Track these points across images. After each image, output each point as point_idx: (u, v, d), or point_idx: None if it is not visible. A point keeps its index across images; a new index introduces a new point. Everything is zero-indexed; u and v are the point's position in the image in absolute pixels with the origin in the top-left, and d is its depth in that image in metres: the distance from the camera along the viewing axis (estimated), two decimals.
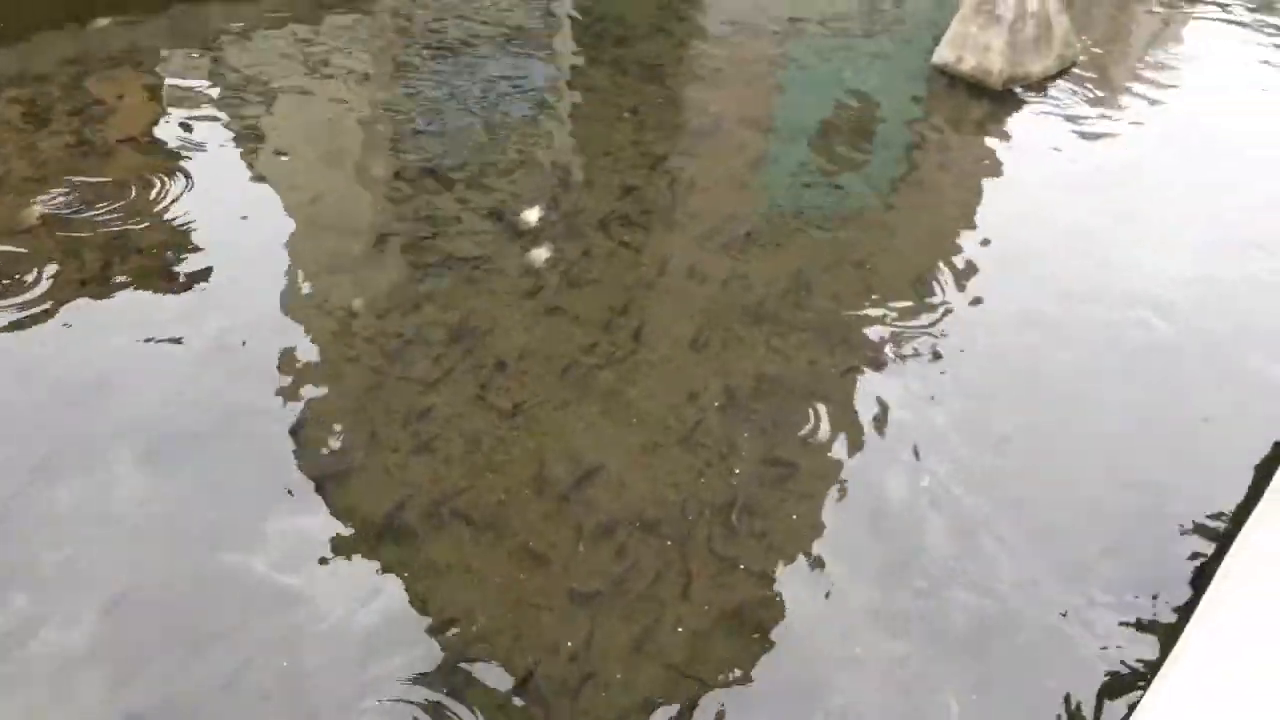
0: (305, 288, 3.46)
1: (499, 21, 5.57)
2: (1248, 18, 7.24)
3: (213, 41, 5.01)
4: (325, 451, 2.85)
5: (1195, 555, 2.83)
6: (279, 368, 3.11)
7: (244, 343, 3.19)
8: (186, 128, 4.27)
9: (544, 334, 3.35)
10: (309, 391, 3.03)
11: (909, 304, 3.71)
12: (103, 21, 4.92)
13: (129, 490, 2.67)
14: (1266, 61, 6.45)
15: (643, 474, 2.88)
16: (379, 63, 5.00)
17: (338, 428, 2.92)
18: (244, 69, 4.78)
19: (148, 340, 3.15)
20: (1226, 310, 3.90)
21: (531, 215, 3.94)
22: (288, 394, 3.02)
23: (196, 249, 3.56)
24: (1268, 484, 2.88)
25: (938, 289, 3.81)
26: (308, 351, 3.18)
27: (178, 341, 3.16)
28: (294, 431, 2.90)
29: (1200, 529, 2.92)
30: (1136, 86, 5.73)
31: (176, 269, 3.45)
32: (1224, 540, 2.83)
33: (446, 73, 4.96)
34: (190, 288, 3.39)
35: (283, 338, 3.22)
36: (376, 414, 2.97)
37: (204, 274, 3.45)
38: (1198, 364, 3.60)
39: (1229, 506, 2.99)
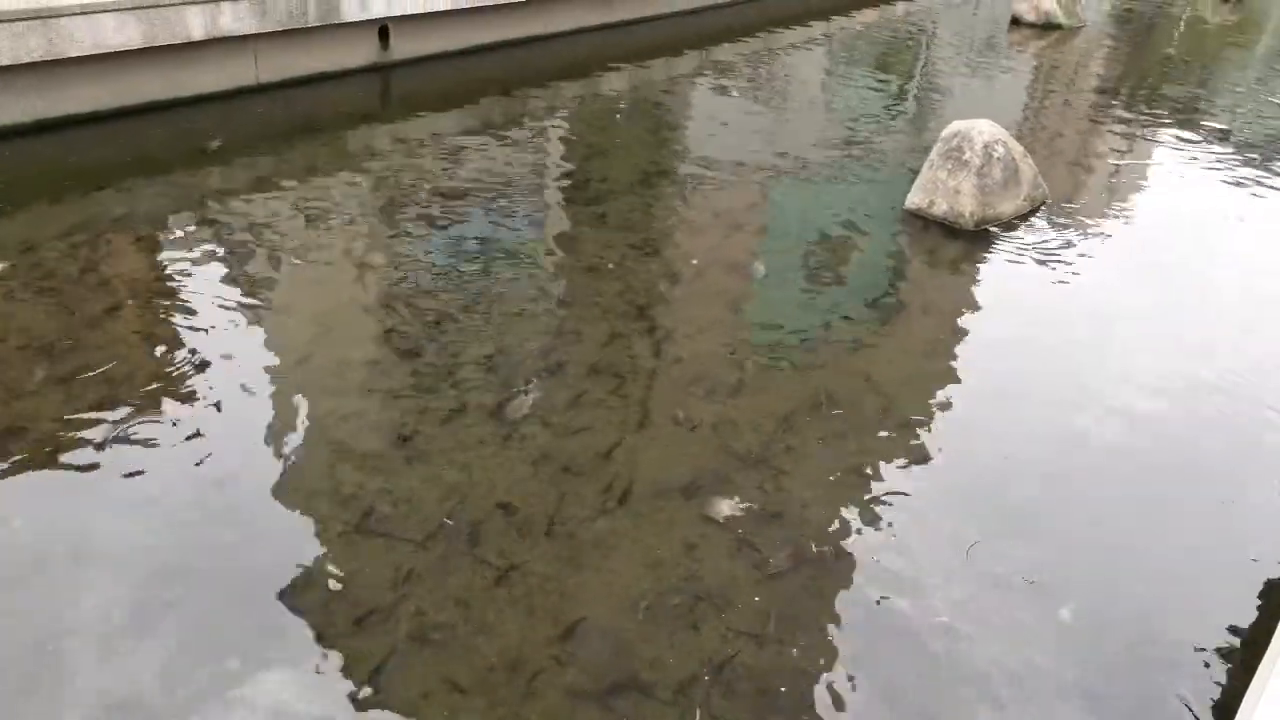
0: (294, 447, 3.45)
1: (489, 179, 5.77)
2: (1205, 155, 7.58)
3: (209, 205, 5.15)
4: (311, 612, 2.78)
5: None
6: (266, 526, 3.07)
7: (231, 501, 3.16)
8: (183, 290, 4.34)
9: (534, 486, 3.33)
10: (296, 551, 2.98)
11: (894, 444, 3.72)
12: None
13: (118, 648, 2.59)
14: (1224, 196, 6.72)
15: (637, 631, 2.81)
16: (372, 221, 5.15)
17: (324, 587, 2.86)
18: (239, 231, 4.90)
19: (136, 498, 3.12)
20: (1208, 434, 3.93)
21: (520, 365, 3.98)
22: (274, 553, 2.97)
23: (190, 404, 3.57)
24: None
25: (921, 429, 3.83)
26: (294, 511, 3.14)
27: (165, 498, 3.12)
28: (280, 591, 2.83)
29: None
30: (1105, 223, 5.93)
31: (171, 425, 3.45)
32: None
33: (438, 228, 5.09)
34: (181, 446, 3.38)
35: (268, 497, 3.19)
36: (363, 575, 2.92)
37: (196, 433, 3.44)
38: (1184, 491, 3.60)
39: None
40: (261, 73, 6.69)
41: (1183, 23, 14.23)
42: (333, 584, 2.89)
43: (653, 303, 4.60)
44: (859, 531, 3.27)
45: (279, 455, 3.40)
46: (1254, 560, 3.29)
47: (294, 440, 3.48)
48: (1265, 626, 2.95)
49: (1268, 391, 4.28)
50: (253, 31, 6.42)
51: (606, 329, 4.34)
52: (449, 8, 7.64)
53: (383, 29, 7.36)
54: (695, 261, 5.06)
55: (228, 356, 3.93)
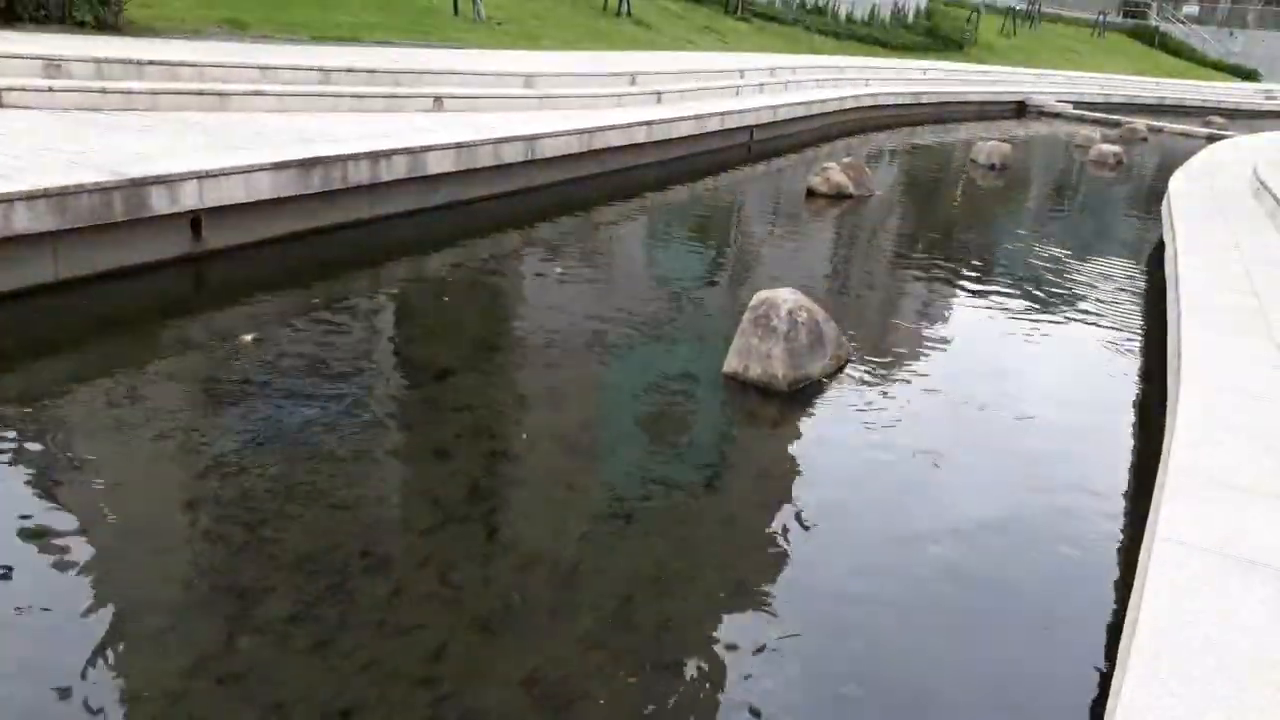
0: (88, 679, 3.13)
1: (311, 365, 5.64)
2: (995, 302, 8.32)
3: (3, 404, 4.81)
4: None
5: None
6: None
7: None
8: None
9: (360, 697, 3.14)
10: None
11: (734, 610, 3.75)
12: None
13: None
14: (1017, 339, 7.37)
15: None
16: (182, 417, 4.90)
17: None
18: (26, 440, 4.56)
19: None
20: (1020, 568, 4.16)
21: (343, 563, 3.80)
22: None
23: None
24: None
25: (759, 592, 3.88)
26: None
27: None
28: None
29: None
30: (908, 375, 6.37)
31: None
32: None
33: (255, 421, 4.90)
34: None
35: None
36: None
37: None
38: (1008, 626, 3.77)
39: None
40: (61, 269, 6.42)
41: (959, 189, 15.88)
42: None
43: (484, 483, 4.55)
44: (707, 706, 3.23)
45: (70, 691, 3.07)
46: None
47: (89, 671, 3.16)
48: None
49: (1068, 525, 4.60)
50: (51, 229, 6.19)
51: (437, 515, 4.24)
52: (263, 197, 7.63)
53: (195, 220, 7.24)
54: (525, 436, 5.06)
55: (9, 579, 3.58)
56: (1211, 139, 23.46)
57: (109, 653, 3.25)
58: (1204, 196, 11.67)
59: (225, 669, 3.22)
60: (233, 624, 3.44)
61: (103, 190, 6.41)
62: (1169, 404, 5.03)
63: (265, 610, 3.52)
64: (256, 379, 5.42)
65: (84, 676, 3.13)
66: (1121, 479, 5.17)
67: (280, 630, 3.42)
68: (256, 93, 10.20)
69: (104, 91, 9.18)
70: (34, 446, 4.52)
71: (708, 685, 3.35)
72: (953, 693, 3.43)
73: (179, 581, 3.67)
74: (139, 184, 6.64)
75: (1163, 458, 4.27)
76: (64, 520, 3.98)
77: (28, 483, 4.23)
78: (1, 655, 3.21)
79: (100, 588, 3.59)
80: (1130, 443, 5.67)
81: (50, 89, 8.88)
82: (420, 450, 4.86)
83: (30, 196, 6.01)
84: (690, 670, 3.41)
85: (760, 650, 3.55)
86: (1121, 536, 4.55)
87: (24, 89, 8.74)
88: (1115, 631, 3.69)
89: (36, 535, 3.87)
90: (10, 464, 4.36)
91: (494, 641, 3.48)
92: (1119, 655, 3.06)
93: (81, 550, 3.80)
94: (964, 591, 4.03)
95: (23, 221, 6.01)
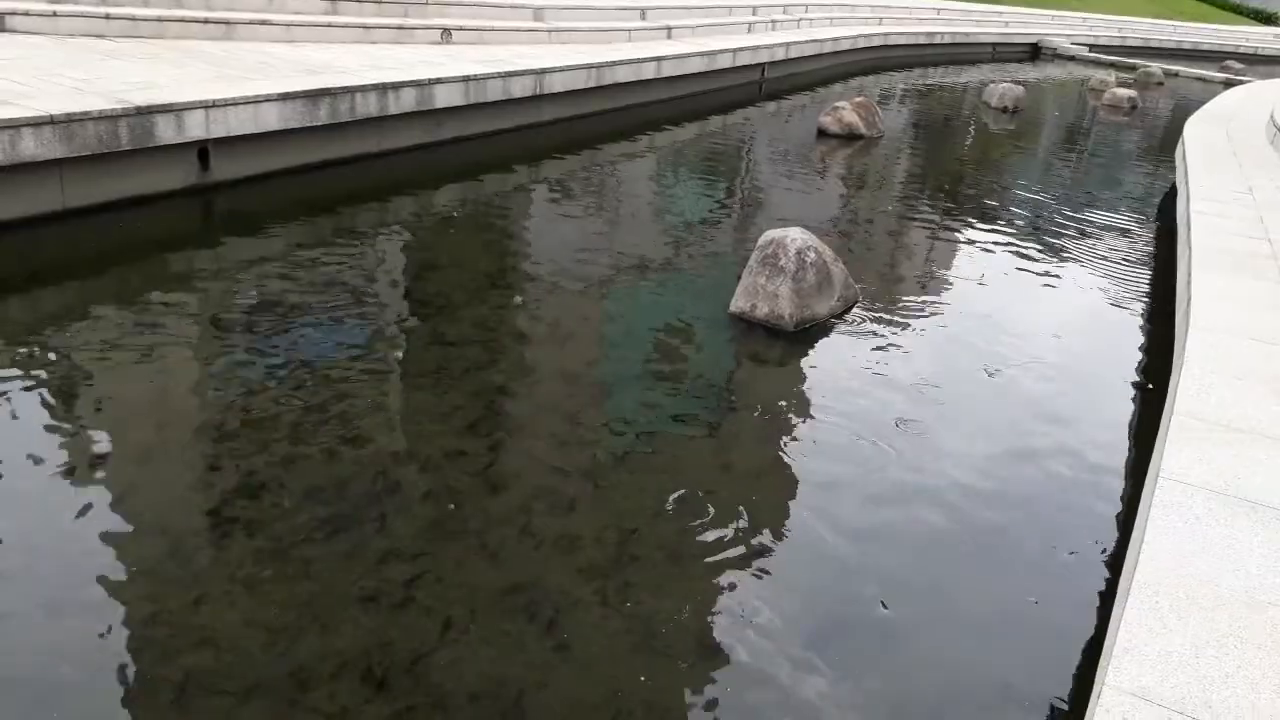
0: (103, 603, 3.20)
1: (318, 297, 5.66)
2: (1004, 246, 8.28)
3: (13, 333, 4.83)
4: None
5: None
6: (72, 700, 2.82)
7: (30, 679, 2.89)
8: None
9: (369, 623, 3.20)
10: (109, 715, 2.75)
11: (735, 544, 3.80)
12: None
13: None
14: (1025, 284, 7.35)
15: None
16: (191, 347, 4.93)
17: None
18: (39, 366, 4.60)
19: None
20: (1028, 490, 4.20)
21: (352, 492, 3.86)
22: None
23: None
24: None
25: (761, 528, 3.94)
26: (106, 673, 2.91)
27: None
28: None
29: None
30: (914, 318, 6.36)
31: None
32: None
33: (264, 351, 4.93)
34: None
35: (74, 664, 2.94)
36: None
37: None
38: (1002, 574, 3.82)
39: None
40: (69, 198, 6.40)
41: (970, 131, 15.68)
42: None
43: (490, 416, 4.58)
44: (707, 637, 3.29)
45: (84, 615, 3.15)
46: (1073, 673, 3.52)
47: (100, 590, 3.23)
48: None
49: (1071, 464, 4.64)
50: (58, 157, 6.15)
51: (442, 446, 4.28)
52: (271, 128, 7.56)
53: (202, 150, 7.20)
54: (533, 372, 5.09)
55: (41, 491, 3.64)
56: (1228, 84, 23.09)
57: (119, 569, 3.32)
58: (1219, 142, 11.53)
59: (233, 594, 3.28)
60: (239, 551, 3.50)
61: (109, 118, 6.36)
62: (1176, 346, 5.03)
63: (271, 540, 3.57)
64: (262, 311, 5.44)
65: (95, 595, 3.21)
66: (1127, 419, 5.20)
67: (286, 558, 3.47)
68: (263, 22, 10.06)
69: (108, 18, 9.06)
70: (34, 375, 4.56)
71: (709, 614, 3.41)
72: (953, 625, 3.49)
73: (185, 512, 3.73)
74: (145, 112, 6.59)
75: (1168, 399, 4.29)
76: (70, 444, 4.04)
77: (31, 409, 4.27)
78: (22, 573, 3.28)
79: (109, 509, 3.65)
80: (1137, 382, 5.69)
81: (54, 14, 8.77)
82: (425, 382, 4.89)
83: (37, 123, 5.97)
84: (692, 598, 3.47)
85: (761, 577, 3.61)
86: (1125, 475, 4.60)
87: (28, 13, 8.64)
88: (1116, 567, 3.75)
89: (44, 458, 3.93)
90: (16, 390, 4.40)
91: (500, 570, 3.54)
92: (1119, 589, 3.12)
93: (89, 473, 3.85)
94: (965, 525, 4.08)
95: (29, 148, 5.98)
